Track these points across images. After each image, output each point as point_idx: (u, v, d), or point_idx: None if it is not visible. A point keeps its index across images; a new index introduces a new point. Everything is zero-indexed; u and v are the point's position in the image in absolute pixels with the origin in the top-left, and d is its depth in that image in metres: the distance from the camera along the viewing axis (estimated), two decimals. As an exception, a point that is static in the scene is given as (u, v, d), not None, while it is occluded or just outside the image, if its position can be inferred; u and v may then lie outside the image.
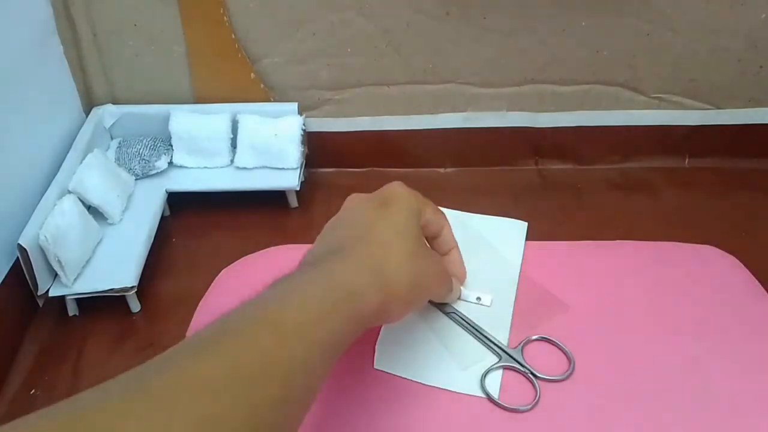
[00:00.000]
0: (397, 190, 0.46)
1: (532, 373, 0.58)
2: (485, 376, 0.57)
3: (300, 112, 0.79)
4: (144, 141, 0.78)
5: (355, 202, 0.47)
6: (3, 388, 0.60)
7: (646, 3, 0.73)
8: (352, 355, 0.61)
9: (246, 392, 0.30)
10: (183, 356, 0.30)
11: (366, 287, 0.38)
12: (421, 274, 0.43)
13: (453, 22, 0.75)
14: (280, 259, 0.71)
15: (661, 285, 0.66)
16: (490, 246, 0.72)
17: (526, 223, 0.74)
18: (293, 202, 0.79)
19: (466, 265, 0.69)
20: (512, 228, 0.74)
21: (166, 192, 0.76)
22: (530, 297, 0.65)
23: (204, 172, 0.78)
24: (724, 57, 0.76)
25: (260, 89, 0.79)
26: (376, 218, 0.43)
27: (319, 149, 0.82)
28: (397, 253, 0.41)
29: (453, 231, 0.76)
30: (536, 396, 0.56)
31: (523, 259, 0.70)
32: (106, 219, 0.71)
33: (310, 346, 0.34)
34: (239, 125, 0.77)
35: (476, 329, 0.62)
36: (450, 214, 0.76)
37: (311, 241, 0.77)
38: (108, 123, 0.80)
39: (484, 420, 0.55)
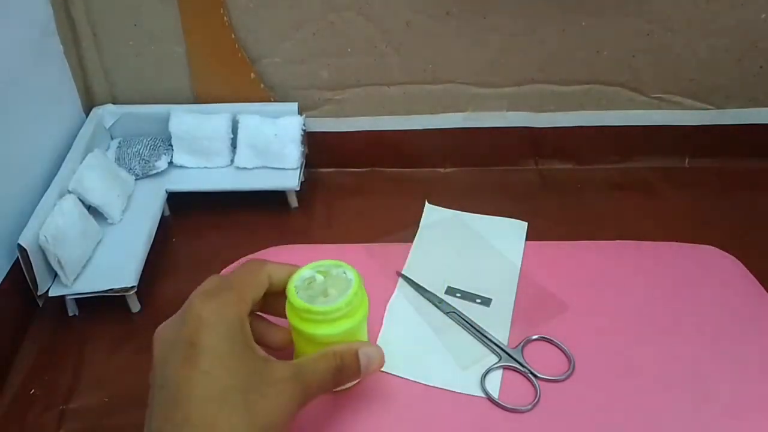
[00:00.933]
0: (199, 312, 0.39)
1: (532, 373, 0.58)
2: (485, 376, 0.57)
3: (300, 112, 0.79)
4: (144, 141, 0.78)
5: (160, 346, 0.39)
6: (3, 388, 0.60)
7: (646, 3, 0.73)
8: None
9: None
10: None
11: None
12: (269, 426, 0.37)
13: (453, 22, 0.75)
14: (279, 259, 0.71)
15: (661, 285, 0.66)
16: (490, 246, 0.72)
17: (525, 223, 0.75)
18: (293, 202, 0.79)
19: (466, 265, 0.69)
20: (512, 228, 0.74)
21: (166, 192, 0.76)
22: (530, 297, 0.65)
23: (204, 172, 0.78)
24: (724, 57, 0.76)
25: (260, 89, 0.79)
26: (188, 380, 0.35)
27: (319, 149, 0.82)
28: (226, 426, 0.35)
29: (453, 231, 0.76)
30: (536, 396, 0.56)
31: (523, 259, 0.70)
32: (106, 219, 0.71)
33: None
34: (239, 125, 0.77)
35: (476, 329, 0.62)
36: (450, 214, 0.76)
37: (311, 242, 0.78)
38: (108, 123, 0.80)
39: (484, 420, 0.55)
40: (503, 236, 0.73)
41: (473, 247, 0.72)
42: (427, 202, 0.78)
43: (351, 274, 0.53)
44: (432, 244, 0.72)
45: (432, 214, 0.77)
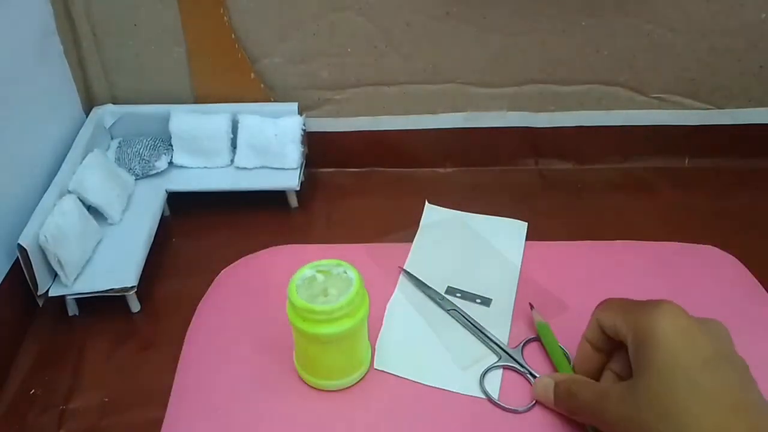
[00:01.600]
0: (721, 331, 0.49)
1: (531, 373, 0.58)
2: (485, 376, 0.57)
3: (300, 112, 0.79)
4: (144, 141, 0.78)
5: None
6: (3, 388, 0.60)
7: (646, 3, 0.73)
8: (352, 355, 0.61)
9: None
10: None
11: None
12: None
13: (453, 22, 0.75)
14: (280, 259, 0.72)
15: (661, 285, 0.66)
16: (490, 246, 0.72)
17: (526, 223, 0.75)
18: (293, 202, 0.79)
19: (466, 264, 0.69)
20: (512, 228, 0.74)
21: (166, 192, 0.76)
22: (530, 297, 0.65)
23: (204, 172, 0.78)
24: (724, 57, 0.76)
25: (260, 89, 0.79)
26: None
27: (319, 149, 0.82)
28: None
29: (453, 231, 0.76)
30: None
31: (523, 259, 0.70)
32: (106, 219, 0.71)
33: None
34: (239, 125, 0.77)
35: (476, 328, 0.62)
36: (450, 214, 0.76)
37: (311, 242, 0.78)
38: (108, 123, 0.80)
39: (483, 420, 0.55)
40: (503, 236, 0.73)
41: (473, 247, 0.72)
42: (427, 202, 0.78)
43: (352, 273, 0.53)
44: (432, 244, 0.72)
45: (432, 214, 0.77)
